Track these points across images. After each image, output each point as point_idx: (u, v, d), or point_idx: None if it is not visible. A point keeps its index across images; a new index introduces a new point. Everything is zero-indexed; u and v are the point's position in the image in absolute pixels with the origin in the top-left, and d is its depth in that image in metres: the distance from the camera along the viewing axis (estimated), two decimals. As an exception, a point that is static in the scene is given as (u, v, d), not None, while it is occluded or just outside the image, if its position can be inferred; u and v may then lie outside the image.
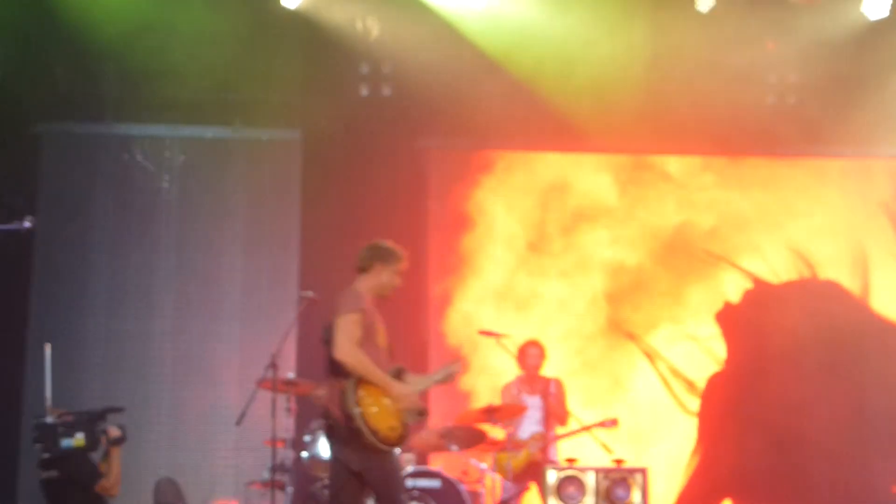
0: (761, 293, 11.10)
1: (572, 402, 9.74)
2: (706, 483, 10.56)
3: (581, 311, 11.06)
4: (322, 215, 10.75)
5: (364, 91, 10.89)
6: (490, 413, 8.97)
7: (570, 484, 7.05)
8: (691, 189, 11.32)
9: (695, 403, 10.85)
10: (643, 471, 6.65)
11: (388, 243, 7.49)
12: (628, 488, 6.89)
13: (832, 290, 11.10)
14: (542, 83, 10.64)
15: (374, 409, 6.98)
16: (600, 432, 9.03)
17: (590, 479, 7.02)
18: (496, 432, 9.30)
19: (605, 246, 11.16)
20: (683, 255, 11.14)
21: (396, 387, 7.13)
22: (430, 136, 11.18)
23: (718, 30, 10.56)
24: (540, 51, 10.54)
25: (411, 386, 7.20)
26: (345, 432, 6.95)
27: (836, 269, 11.18)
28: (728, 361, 10.92)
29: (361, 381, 7.03)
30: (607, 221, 11.23)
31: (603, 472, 6.89)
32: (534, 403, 9.57)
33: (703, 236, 11.21)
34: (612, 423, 9.17)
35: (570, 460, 7.14)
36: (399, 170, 10.94)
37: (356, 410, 6.92)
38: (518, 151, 11.35)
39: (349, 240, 10.50)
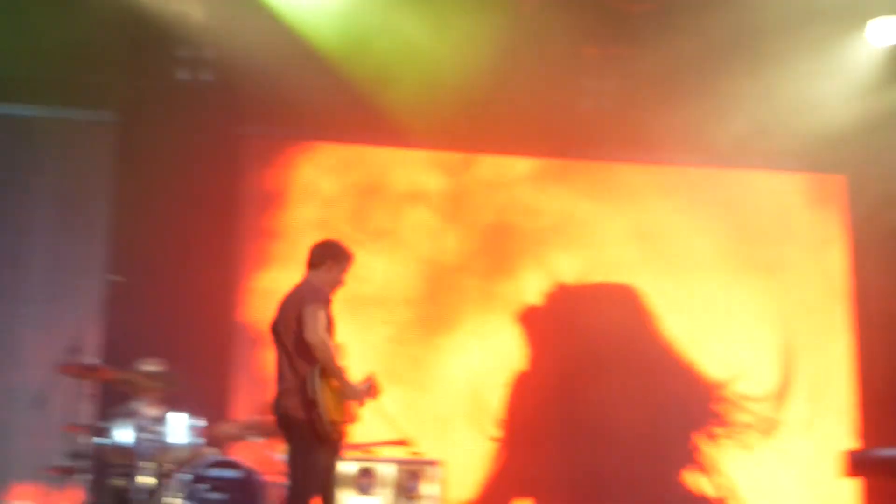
0: (566, 295, 11.30)
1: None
2: (508, 481, 10.71)
3: (394, 303, 11.09)
4: (134, 199, 10.56)
5: (183, 75, 10.75)
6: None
7: (366, 475, 7.08)
8: (513, 189, 11.45)
9: (483, 413, 10.97)
10: (439, 463, 6.73)
11: (340, 242, 7.64)
12: (423, 480, 6.94)
13: (635, 294, 11.38)
14: (369, 77, 10.64)
15: (330, 400, 7.07)
16: (401, 419, 9.05)
17: (386, 471, 7.06)
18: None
19: (423, 240, 11.22)
20: (500, 254, 11.26)
21: (351, 383, 7.25)
22: (249, 124, 11.07)
23: (542, 33, 10.73)
24: (368, 45, 10.55)
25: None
26: (297, 422, 7.06)
27: (642, 273, 11.46)
28: (531, 362, 11.09)
29: (322, 370, 7.13)
30: (428, 217, 11.28)
31: (399, 464, 6.94)
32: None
33: (519, 236, 11.36)
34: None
35: (367, 451, 7.19)
36: (216, 157, 10.80)
37: (319, 397, 7.00)
38: (340, 144, 11.31)
39: (160, 225, 10.46)
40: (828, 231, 11.74)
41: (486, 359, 11.09)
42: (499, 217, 11.40)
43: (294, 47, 10.44)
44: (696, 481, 11.08)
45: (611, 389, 11.00)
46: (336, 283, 7.52)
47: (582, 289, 11.34)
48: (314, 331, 7.12)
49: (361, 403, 7.35)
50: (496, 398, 11.00)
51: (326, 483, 7.28)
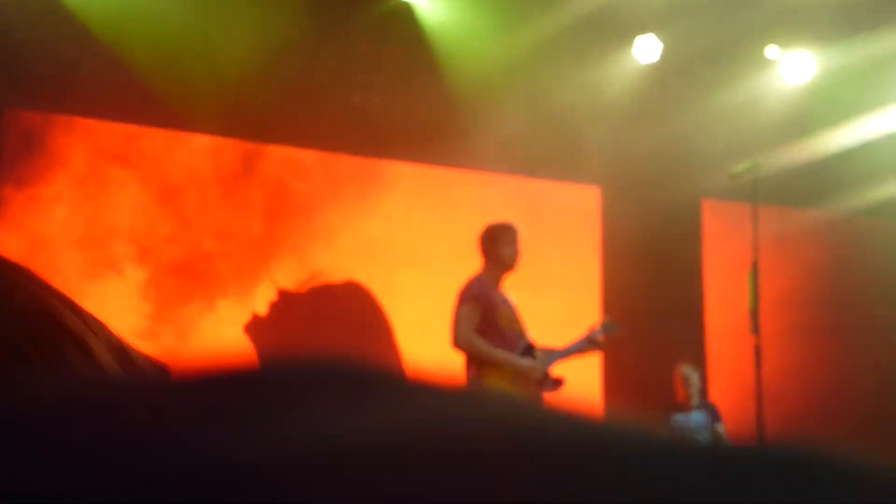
0: (314, 289, 11.28)
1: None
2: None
3: (150, 282, 10.80)
4: None
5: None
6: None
7: None
8: (283, 181, 11.34)
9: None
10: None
11: (492, 223, 7.89)
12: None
13: (360, 292, 11.44)
14: (142, 58, 10.42)
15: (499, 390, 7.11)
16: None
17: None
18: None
19: (186, 224, 10.98)
20: (260, 243, 11.12)
21: (518, 362, 7.30)
22: (11, 95, 10.61)
23: (319, 28, 10.75)
24: (145, 25, 10.33)
25: (540, 361, 7.39)
26: None
27: (393, 272, 11.53)
28: (275, 350, 10.91)
29: (484, 365, 7.26)
30: (195, 201, 11.06)
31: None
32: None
33: (281, 227, 11.27)
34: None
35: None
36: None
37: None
38: (111, 122, 10.92)
39: None
40: (583, 240, 12.07)
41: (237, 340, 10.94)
42: (266, 207, 11.29)
43: (64, 19, 10.09)
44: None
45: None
46: (505, 262, 7.69)
47: (329, 285, 11.30)
48: (458, 336, 7.33)
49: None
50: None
51: None
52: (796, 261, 12.19)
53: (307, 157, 11.46)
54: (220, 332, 10.81)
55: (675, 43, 11.11)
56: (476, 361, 7.32)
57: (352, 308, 11.32)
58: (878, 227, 13.08)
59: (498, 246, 7.78)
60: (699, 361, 11.06)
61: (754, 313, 6.83)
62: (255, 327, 11.00)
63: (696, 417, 10.17)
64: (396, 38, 11.10)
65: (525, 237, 11.70)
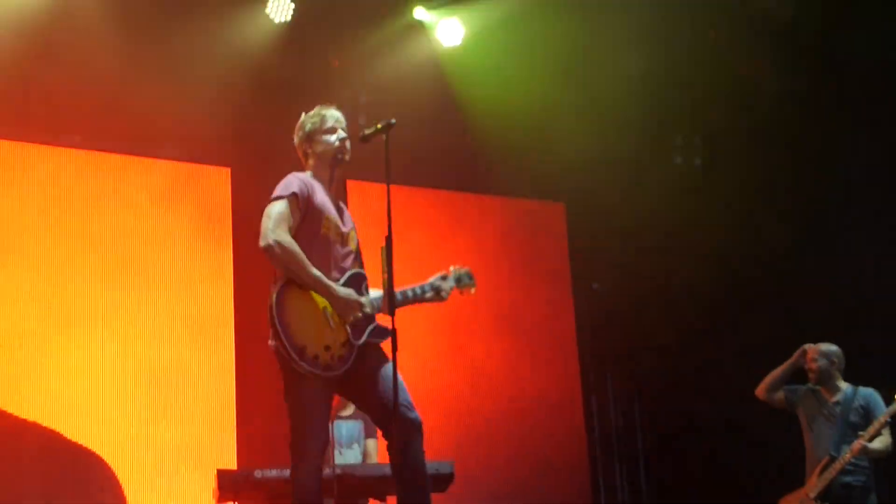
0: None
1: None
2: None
3: None
4: None
5: None
6: None
7: None
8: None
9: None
10: None
11: (306, 113, 6.36)
12: None
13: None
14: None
15: (303, 320, 5.73)
16: None
17: None
18: None
19: None
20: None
21: (335, 290, 5.84)
22: None
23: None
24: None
25: (371, 300, 6.02)
26: (275, 355, 5.78)
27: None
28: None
29: (291, 282, 5.78)
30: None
31: None
32: None
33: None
34: None
35: None
36: None
37: (277, 322, 5.66)
38: None
39: None
40: (215, 223, 10.83)
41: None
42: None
43: None
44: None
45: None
46: (331, 153, 6.23)
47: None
48: (266, 232, 5.77)
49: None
50: None
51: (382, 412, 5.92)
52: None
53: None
54: None
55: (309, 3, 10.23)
56: (282, 269, 5.82)
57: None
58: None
59: (316, 139, 6.30)
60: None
61: (389, 291, 5.71)
62: None
63: (350, 427, 9.06)
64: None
65: (147, 221, 10.39)
